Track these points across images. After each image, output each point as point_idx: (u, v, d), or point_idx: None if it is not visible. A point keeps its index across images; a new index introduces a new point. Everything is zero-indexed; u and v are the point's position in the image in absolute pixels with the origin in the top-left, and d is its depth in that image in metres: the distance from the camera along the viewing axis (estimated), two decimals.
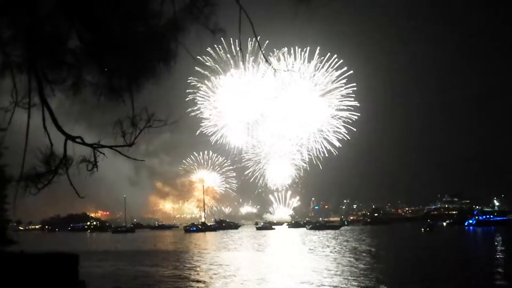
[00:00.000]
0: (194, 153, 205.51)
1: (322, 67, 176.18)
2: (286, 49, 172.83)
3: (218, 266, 42.32)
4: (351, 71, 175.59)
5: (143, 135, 9.46)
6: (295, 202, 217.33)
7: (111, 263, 47.45)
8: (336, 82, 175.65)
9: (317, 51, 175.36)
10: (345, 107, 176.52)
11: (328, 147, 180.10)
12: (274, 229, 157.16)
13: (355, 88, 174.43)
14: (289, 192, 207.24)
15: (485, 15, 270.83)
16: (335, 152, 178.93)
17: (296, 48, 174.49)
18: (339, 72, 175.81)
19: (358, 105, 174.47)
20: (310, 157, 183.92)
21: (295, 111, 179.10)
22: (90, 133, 10.15)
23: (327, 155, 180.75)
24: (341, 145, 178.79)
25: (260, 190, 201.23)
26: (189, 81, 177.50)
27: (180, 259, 50.42)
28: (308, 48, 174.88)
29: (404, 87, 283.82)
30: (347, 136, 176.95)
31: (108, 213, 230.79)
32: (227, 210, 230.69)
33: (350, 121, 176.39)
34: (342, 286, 29.31)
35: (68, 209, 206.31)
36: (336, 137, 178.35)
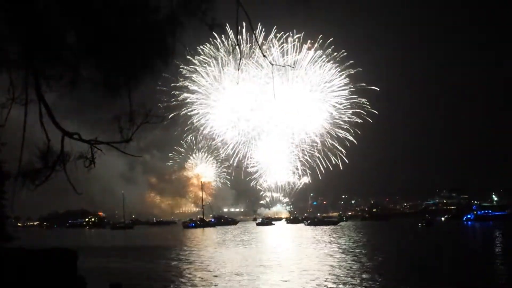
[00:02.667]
0: (185, 146, 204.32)
1: (319, 61, 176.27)
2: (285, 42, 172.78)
3: (222, 263, 42.35)
4: (352, 62, 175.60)
5: (137, 131, 9.46)
6: (293, 197, 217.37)
7: (110, 259, 47.43)
8: (337, 78, 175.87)
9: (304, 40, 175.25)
10: (346, 104, 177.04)
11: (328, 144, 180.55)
12: (274, 224, 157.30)
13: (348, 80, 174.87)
14: (287, 187, 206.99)
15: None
16: (339, 148, 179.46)
17: (292, 40, 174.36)
18: (339, 67, 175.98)
19: (369, 106, 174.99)
20: (309, 153, 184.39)
21: (294, 107, 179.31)
22: (87, 130, 10.13)
23: (327, 161, 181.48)
24: (339, 143, 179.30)
25: (257, 187, 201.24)
26: (182, 70, 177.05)
27: (181, 255, 50.41)
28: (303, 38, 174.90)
29: (402, 83, 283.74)
30: (349, 137, 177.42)
31: (101, 214, 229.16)
32: (223, 205, 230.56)
33: (351, 119, 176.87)
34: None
35: (66, 205, 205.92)
36: (337, 136, 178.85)
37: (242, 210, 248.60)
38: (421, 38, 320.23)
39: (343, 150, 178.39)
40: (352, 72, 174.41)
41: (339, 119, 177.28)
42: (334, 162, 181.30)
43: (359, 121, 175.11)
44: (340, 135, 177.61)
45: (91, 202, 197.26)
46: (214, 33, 9.17)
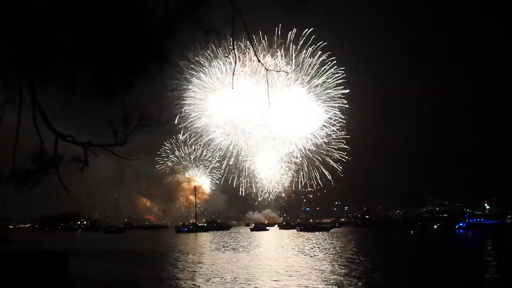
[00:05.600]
0: (175, 150, 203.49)
1: (314, 66, 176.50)
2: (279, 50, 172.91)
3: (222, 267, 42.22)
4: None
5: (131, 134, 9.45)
6: (285, 203, 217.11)
7: (102, 263, 47.22)
8: (329, 83, 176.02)
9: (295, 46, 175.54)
10: (336, 109, 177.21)
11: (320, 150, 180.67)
12: (268, 230, 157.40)
13: (347, 91, 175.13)
14: (279, 193, 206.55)
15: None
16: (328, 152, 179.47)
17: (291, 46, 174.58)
18: (332, 71, 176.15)
19: (347, 106, 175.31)
20: (302, 159, 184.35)
21: (286, 113, 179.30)
22: (81, 132, 10.09)
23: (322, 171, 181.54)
24: (333, 150, 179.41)
25: (249, 192, 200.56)
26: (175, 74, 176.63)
27: (175, 260, 50.23)
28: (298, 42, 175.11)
29: (395, 90, 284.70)
30: (341, 143, 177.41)
31: (96, 215, 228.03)
32: (216, 210, 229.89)
33: (342, 124, 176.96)
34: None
35: (58, 208, 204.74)
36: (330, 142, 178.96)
37: (235, 214, 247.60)
38: (417, 43, 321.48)
39: (335, 165, 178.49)
40: (343, 82, 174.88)
41: (329, 130, 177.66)
42: (326, 175, 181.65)
43: (348, 136, 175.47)
44: (333, 151, 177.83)
45: (83, 206, 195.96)
46: (209, 37, 9.14)
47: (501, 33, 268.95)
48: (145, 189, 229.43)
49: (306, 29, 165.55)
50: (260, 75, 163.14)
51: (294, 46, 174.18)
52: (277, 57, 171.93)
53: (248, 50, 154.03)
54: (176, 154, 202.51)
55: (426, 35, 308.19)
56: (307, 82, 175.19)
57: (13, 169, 8.91)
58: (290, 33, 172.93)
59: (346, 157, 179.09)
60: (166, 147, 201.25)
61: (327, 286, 29.53)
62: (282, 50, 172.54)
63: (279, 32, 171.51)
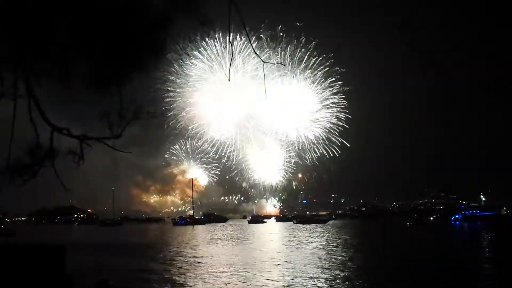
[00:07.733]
0: (167, 143, 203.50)
1: (312, 64, 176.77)
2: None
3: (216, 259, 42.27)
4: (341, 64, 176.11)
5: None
6: (282, 195, 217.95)
7: (99, 256, 47.19)
8: (326, 80, 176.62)
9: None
10: (333, 105, 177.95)
11: (316, 143, 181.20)
12: (265, 222, 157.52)
13: (346, 88, 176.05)
14: (275, 186, 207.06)
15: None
16: (325, 150, 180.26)
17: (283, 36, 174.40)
18: (329, 69, 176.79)
19: (347, 104, 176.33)
20: (299, 151, 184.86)
21: (283, 106, 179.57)
22: (77, 125, 10.01)
23: (317, 154, 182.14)
24: (329, 142, 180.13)
25: (244, 184, 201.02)
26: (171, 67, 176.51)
27: (173, 252, 50.26)
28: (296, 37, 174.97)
29: (389, 83, 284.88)
30: (337, 136, 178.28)
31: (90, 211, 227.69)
32: (212, 202, 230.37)
33: (339, 119, 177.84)
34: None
35: (54, 202, 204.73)
36: (325, 136, 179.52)
37: (232, 207, 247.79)
38: (416, 41, 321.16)
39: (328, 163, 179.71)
40: (341, 70, 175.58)
41: (325, 120, 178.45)
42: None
43: (346, 127, 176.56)
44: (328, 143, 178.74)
45: (80, 199, 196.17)
46: (204, 29, 9.06)
47: (500, 33, 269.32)
48: (140, 181, 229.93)
49: (304, 24, 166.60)
50: (257, 68, 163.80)
51: (290, 40, 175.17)
52: (271, 50, 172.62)
53: (242, 43, 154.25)
54: (169, 146, 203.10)
55: (425, 34, 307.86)
56: (300, 74, 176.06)
57: (8, 163, 8.83)
58: (280, 26, 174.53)
59: (340, 152, 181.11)
60: (160, 140, 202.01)
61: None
62: (270, 41, 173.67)
63: (266, 25, 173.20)
